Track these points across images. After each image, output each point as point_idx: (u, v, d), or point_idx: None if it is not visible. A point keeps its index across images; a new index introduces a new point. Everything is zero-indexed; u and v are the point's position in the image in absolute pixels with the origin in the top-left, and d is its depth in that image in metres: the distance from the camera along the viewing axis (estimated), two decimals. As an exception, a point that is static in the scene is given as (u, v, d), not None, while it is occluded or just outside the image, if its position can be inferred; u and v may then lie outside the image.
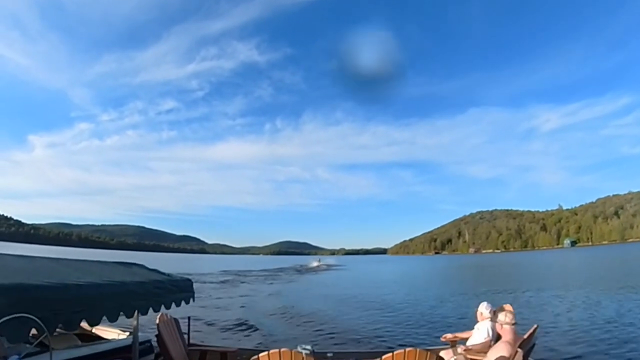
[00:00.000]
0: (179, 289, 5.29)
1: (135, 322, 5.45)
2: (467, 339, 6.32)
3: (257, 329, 14.14)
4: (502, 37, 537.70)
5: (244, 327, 14.62)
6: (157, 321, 5.85)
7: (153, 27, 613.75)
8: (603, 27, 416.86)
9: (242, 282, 39.63)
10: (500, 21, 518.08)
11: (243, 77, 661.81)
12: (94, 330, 7.18)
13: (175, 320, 6.42)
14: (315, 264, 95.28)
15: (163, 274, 5.59)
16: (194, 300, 5.61)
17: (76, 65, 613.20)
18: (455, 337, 6.41)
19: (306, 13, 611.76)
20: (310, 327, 14.64)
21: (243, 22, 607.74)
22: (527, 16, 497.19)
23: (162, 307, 4.76)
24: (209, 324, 15.08)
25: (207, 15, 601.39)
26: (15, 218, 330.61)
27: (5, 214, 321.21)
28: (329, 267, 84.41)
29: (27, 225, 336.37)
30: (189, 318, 7.27)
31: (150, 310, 4.54)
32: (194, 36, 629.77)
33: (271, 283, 40.08)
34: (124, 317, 4.03)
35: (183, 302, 5.32)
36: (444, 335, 6.51)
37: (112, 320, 3.71)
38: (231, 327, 14.71)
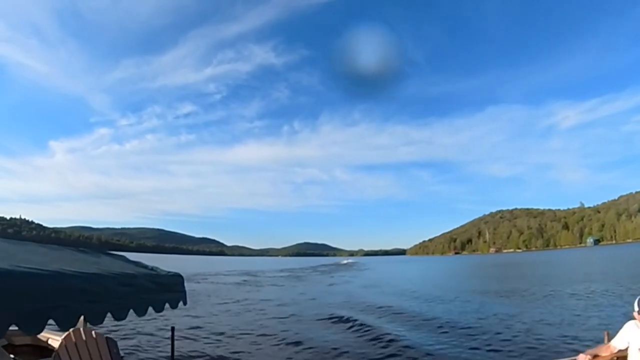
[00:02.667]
0: (162, 288, 4.02)
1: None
2: (622, 354, 4.57)
3: (286, 343, 11.73)
4: (519, 34, 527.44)
5: (265, 340, 12.18)
6: (62, 340, 3.98)
7: (170, 31, 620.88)
8: (622, 20, 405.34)
9: (271, 284, 38.58)
10: (517, 17, 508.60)
11: (260, 80, 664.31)
12: (50, 342, 5.78)
13: (109, 341, 4.61)
14: (344, 262, 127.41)
15: (145, 267, 4.46)
16: (185, 303, 4.39)
17: (95, 71, 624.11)
18: (597, 355, 4.64)
19: (322, 14, 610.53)
20: (349, 337, 12.52)
21: (259, 25, 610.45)
22: (544, 11, 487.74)
23: (131, 311, 3.52)
24: (213, 336, 12.71)
25: (224, 19, 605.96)
26: (36, 222, 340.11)
27: (27, 218, 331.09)
28: (355, 265, 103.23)
29: (49, 229, 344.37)
30: (172, 329, 5.58)
31: (110, 317, 3.27)
32: (210, 40, 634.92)
33: (304, 283, 39.87)
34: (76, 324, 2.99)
35: (167, 306, 4.06)
36: (582, 355, 4.71)
37: (31, 331, 2.50)
38: (246, 340, 12.26)
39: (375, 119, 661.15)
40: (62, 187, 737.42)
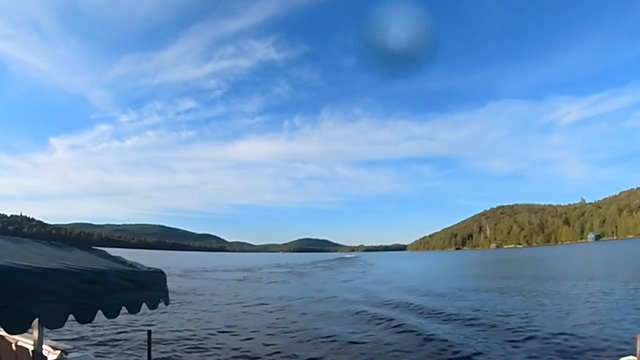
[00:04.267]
0: (139, 286, 3.51)
1: (36, 334, 3.59)
2: None
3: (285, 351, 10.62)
4: (520, 28, 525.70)
5: (259, 347, 11.05)
6: None
7: (171, 27, 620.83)
8: (625, 14, 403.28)
9: (273, 281, 37.70)
10: (519, 12, 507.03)
11: (261, 76, 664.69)
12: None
13: (36, 355, 3.71)
14: (348, 255, 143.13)
15: (123, 262, 3.94)
16: (166, 303, 3.92)
17: (95, 68, 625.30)
18: None
19: (322, 9, 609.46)
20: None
21: (260, 21, 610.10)
22: (546, 6, 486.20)
23: (99, 312, 3.03)
24: (200, 341, 11.58)
25: (224, 15, 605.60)
26: (37, 219, 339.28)
27: (28, 215, 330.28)
28: (361, 260, 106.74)
29: (50, 225, 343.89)
30: (148, 333, 5.02)
31: (73, 318, 2.81)
32: (211, 36, 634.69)
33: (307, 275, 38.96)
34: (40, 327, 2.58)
35: (144, 306, 3.58)
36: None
37: None
38: (238, 346, 11.05)
39: (377, 114, 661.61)
40: (62, 184, 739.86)
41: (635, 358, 4.95)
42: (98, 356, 5.88)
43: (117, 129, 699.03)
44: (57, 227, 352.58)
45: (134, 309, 3.42)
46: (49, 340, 5.03)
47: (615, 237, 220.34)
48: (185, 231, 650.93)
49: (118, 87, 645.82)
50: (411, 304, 18.31)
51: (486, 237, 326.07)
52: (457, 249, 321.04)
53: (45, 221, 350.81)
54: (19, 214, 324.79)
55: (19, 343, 3.70)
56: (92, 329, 11.90)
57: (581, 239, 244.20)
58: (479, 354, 10.03)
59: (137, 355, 9.32)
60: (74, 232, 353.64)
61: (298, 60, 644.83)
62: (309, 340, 11.93)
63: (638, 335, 5.02)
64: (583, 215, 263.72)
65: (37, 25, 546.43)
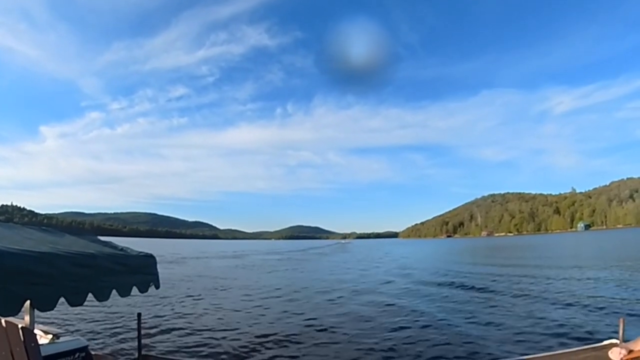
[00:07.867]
0: (129, 270, 3.56)
1: (27, 318, 3.63)
2: None
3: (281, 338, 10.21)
4: (515, 18, 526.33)
5: (248, 332, 10.84)
6: None
7: (162, 13, 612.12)
8: (619, 5, 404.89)
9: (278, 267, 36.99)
10: (514, 1, 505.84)
11: (253, 62, 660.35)
12: None
13: (25, 331, 3.44)
14: (343, 241, 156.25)
15: (114, 247, 3.94)
16: (157, 287, 3.94)
17: (86, 55, 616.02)
18: (632, 349, 3.41)
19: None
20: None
21: (252, 6, 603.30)
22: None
23: (90, 295, 3.06)
24: (191, 325, 11.57)
25: (216, 0, 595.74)
26: (28, 208, 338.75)
27: (18, 205, 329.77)
28: (359, 246, 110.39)
29: (41, 215, 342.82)
30: (138, 316, 5.16)
31: (64, 301, 2.83)
32: (203, 21, 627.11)
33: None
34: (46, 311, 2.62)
35: (135, 289, 3.62)
36: (616, 348, 3.53)
37: None
38: (228, 331, 10.91)
39: (369, 102, 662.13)
40: (53, 172, 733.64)
41: (618, 341, 4.99)
42: (89, 339, 5.86)
43: (108, 116, 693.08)
44: (48, 217, 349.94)
45: (124, 292, 3.46)
46: (40, 325, 4.96)
47: (604, 227, 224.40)
48: (177, 219, 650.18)
49: (109, 74, 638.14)
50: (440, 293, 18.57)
51: (477, 225, 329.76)
52: (448, 236, 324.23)
53: (36, 210, 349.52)
54: (9, 203, 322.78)
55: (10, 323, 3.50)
56: (82, 312, 12.05)
57: (571, 228, 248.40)
58: (467, 336, 10.22)
59: (127, 338, 9.48)
60: (65, 221, 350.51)
61: (291, 47, 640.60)
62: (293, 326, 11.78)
63: (620, 319, 5.11)
64: (573, 204, 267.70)
65: (26, 13, 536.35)
